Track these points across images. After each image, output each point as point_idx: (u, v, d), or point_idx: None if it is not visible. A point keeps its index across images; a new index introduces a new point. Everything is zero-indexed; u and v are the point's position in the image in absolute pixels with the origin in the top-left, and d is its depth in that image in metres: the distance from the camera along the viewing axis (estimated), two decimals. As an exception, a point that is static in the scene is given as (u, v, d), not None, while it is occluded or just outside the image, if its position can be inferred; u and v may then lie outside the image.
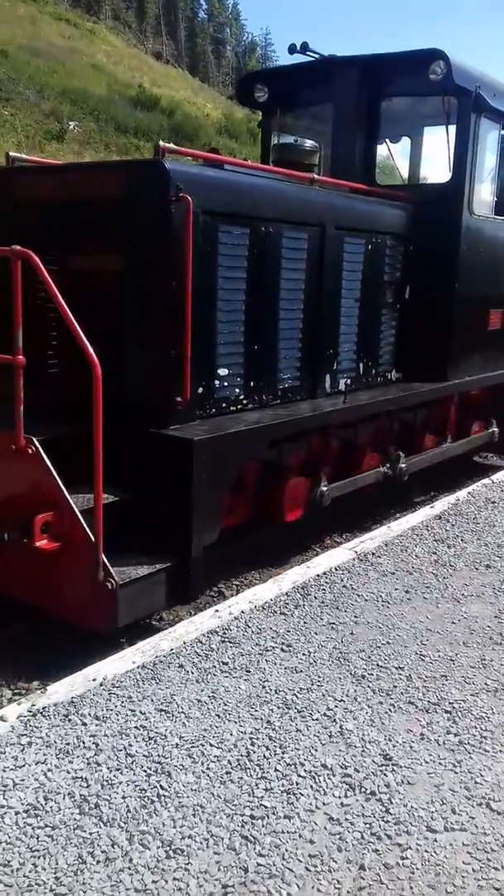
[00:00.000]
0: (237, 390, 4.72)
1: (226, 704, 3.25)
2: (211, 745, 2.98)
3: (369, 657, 3.71)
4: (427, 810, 2.68)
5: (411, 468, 6.15)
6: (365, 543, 5.21)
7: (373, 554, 5.02)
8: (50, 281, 3.60)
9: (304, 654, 3.70)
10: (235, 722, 3.13)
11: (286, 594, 4.37)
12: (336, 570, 4.73)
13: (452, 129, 6.01)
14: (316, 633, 3.93)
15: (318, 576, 4.62)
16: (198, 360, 4.27)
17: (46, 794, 2.67)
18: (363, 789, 2.77)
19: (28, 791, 2.69)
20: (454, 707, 3.32)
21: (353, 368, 5.75)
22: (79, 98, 32.73)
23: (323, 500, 5.26)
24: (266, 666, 3.58)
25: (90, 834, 2.50)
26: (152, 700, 3.26)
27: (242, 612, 4.11)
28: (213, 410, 4.56)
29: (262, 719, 3.16)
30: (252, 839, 2.51)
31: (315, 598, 4.33)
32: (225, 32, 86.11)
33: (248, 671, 3.53)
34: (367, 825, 2.60)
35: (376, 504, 6.54)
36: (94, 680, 3.40)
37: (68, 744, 2.95)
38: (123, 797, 2.67)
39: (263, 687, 3.40)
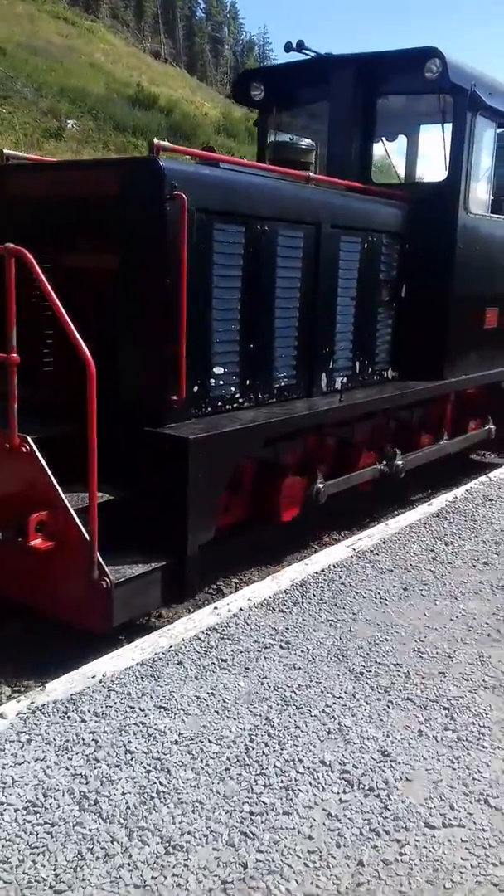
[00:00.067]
0: (233, 389, 4.72)
1: (225, 701, 3.26)
2: (210, 741, 2.99)
3: (367, 654, 3.72)
4: (425, 806, 2.69)
5: (408, 465, 6.16)
6: (363, 541, 5.21)
7: (371, 551, 5.03)
8: (44, 279, 3.59)
9: (302, 651, 3.71)
10: (234, 719, 3.14)
11: (285, 591, 4.37)
12: (334, 567, 4.74)
13: (448, 127, 6.00)
14: (314, 631, 3.93)
15: (316, 573, 4.63)
16: (193, 359, 4.26)
17: (46, 791, 2.68)
18: (361, 785, 2.78)
19: (27, 788, 2.70)
20: (452, 704, 3.33)
21: (349, 367, 5.75)
22: (77, 96, 32.75)
23: (319, 497, 5.26)
24: (265, 663, 3.59)
25: (89, 830, 2.51)
26: (151, 697, 3.26)
27: (241, 609, 4.12)
28: (209, 409, 4.56)
29: (260, 716, 3.16)
30: (251, 835, 2.52)
31: (313, 595, 4.34)
32: (223, 31, 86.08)
33: (247, 668, 3.54)
34: (366, 821, 2.61)
35: (374, 502, 6.56)
36: (93, 677, 3.40)
37: (67, 741, 2.95)
38: (123, 794, 2.68)
39: (262, 684, 3.41)
